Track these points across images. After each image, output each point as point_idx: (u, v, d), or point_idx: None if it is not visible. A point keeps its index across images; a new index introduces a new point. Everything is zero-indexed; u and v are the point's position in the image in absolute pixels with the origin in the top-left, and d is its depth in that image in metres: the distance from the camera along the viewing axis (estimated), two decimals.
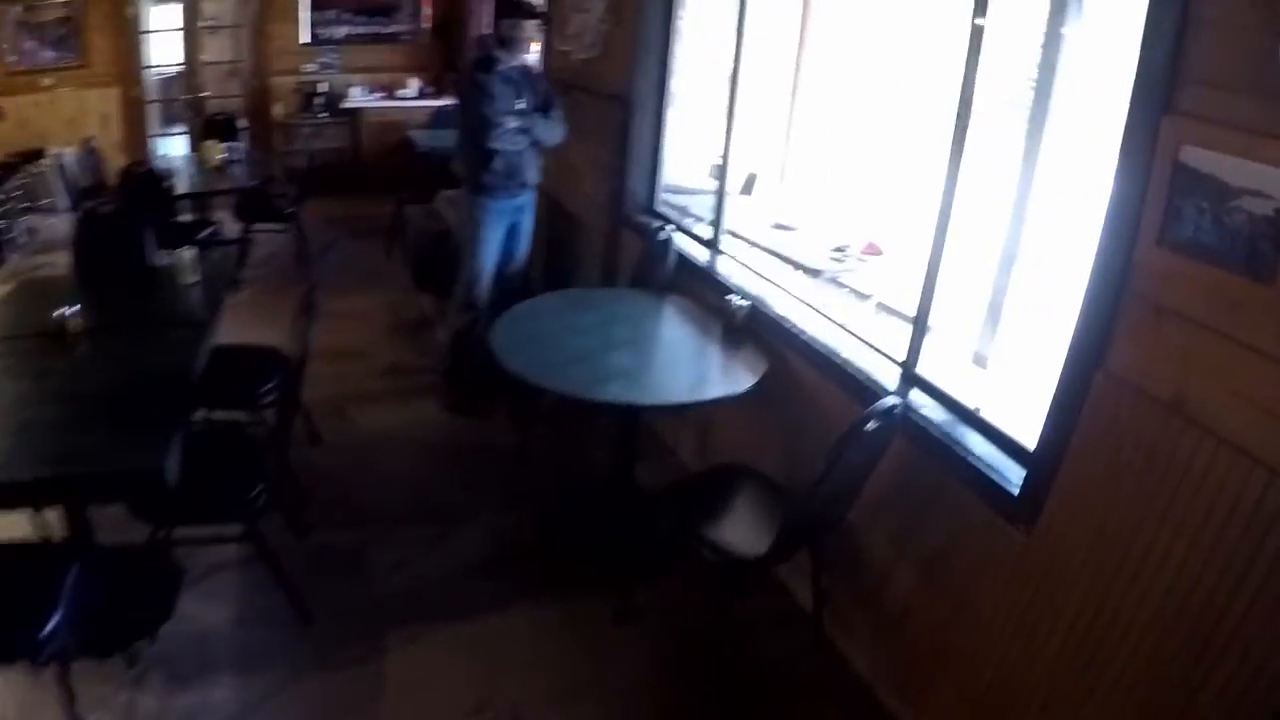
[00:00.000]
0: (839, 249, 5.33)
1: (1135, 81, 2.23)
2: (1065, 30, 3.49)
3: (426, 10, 9.35)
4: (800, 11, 6.08)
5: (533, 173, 4.79)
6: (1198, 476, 2.12)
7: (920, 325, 3.24)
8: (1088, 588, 2.40)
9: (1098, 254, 2.35)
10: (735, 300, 3.81)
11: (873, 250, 5.28)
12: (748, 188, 7.04)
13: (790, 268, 5.28)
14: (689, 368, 3.69)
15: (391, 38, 9.39)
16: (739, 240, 4.72)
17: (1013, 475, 2.70)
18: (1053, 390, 2.52)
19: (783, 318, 3.76)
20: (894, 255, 5.38)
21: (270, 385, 3.89)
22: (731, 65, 4.38)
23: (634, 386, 3.36)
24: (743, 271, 4.31)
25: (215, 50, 9.00)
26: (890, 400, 2.81)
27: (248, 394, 3.89)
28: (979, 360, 5.51)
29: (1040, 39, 4.93)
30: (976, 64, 3.01)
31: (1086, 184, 4.36)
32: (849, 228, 5.68)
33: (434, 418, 4.85)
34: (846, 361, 3.40)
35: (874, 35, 5.98)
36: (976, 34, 2.99)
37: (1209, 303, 2.09)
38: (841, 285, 5.52)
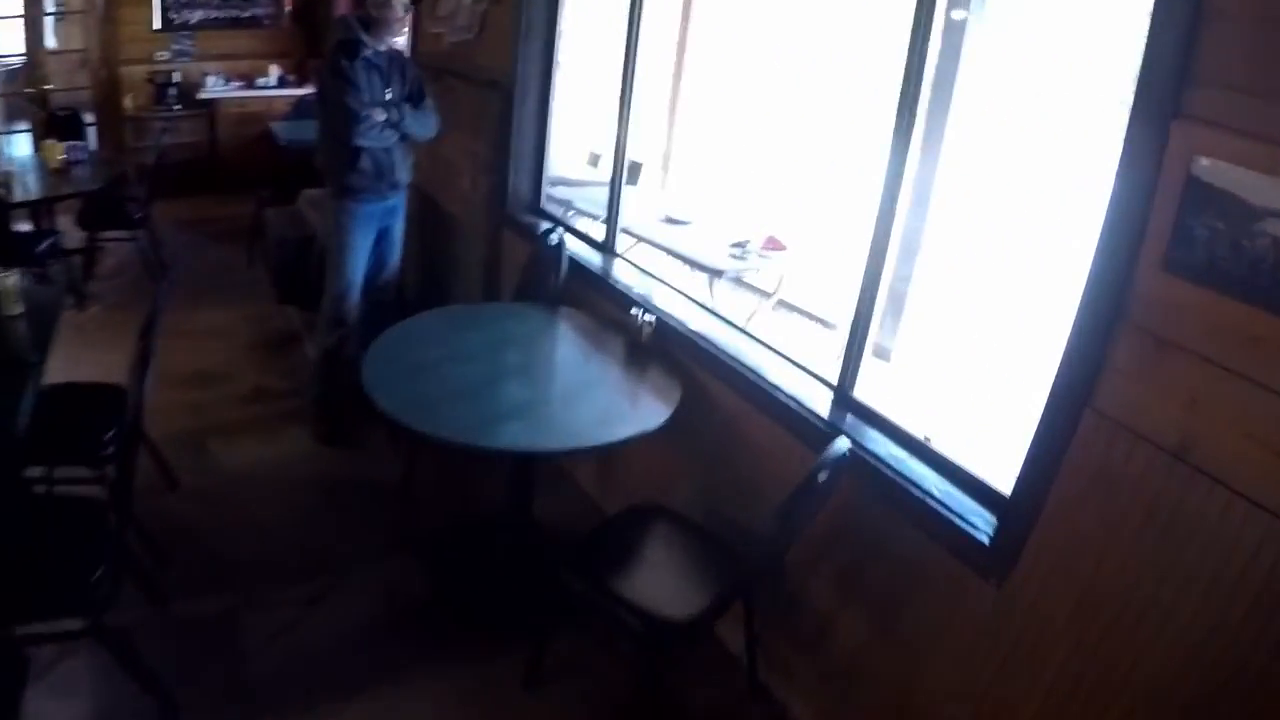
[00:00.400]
0: (738, 244, 4.89)
1: (1139, 80, 1.82)
2: (955, 15, 3.15)
3: None
4: None
5: (404, 171, 4.12)
6: (1209, 530, 1.79)
7: (856, 343, 2.78)
8: (1074, 645, 2.06)
9: (1090, 276, 1.96)
10: (639, 315, 3.27)
11: (774, 245, 4.87)
12: (632, 177, 6.53)
13: (689, 268, 4.83)
14: (593, 398, 3.09)
15: (250, 22, 8.43)
16: (633, 239, 4.21)
17: (978, 520, 2.32)
18: (1033, 429, 2.15)
19: (694, 333, 3.23)
20: (797, 249, 5.00)
21: (113, 432, 3.18)
22: (625, 43, 3.81)
23: (532, 427, 2.77)
24: (641, 277, 3.75)
25: (63, 38, 8.00)
26: (842, 446, 2.36)
27: (87, 444, 3.15)
28: (881, 353, 5.18)
29: (941, 23, 4.61)
30: (924, 47, 2.53)
31: (990, 171, 4.04)
32: (746, 221, 5.27)
33: (306, 449, 4.16)
34: (771, 384, 2.92)
35: (766, 15, 5.57)
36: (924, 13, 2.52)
37: (1222, 337, 1.75)
38: (746, 285, 5.11)
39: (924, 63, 2.54)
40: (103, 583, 2.50)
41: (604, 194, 5.71)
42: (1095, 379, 1.98)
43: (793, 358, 3.04)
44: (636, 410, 2.95)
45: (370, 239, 4.11)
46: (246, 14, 8.42)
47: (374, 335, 4.13)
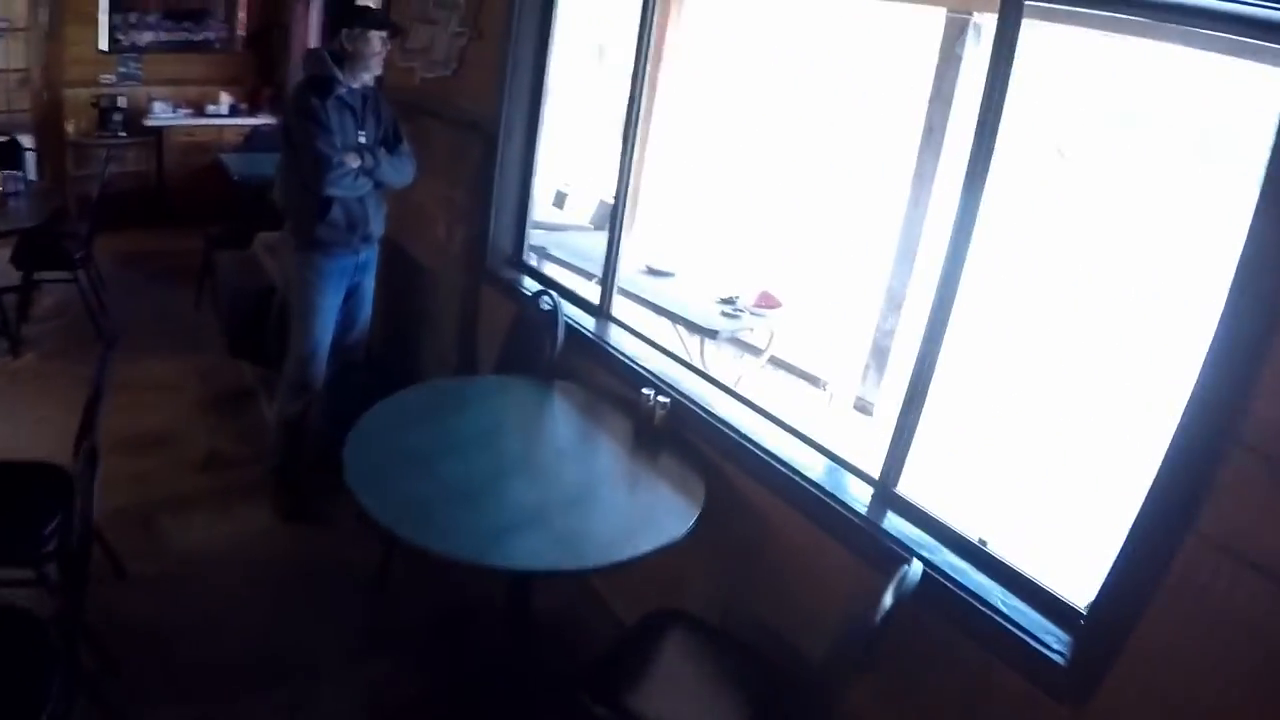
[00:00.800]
0: (728, 300, 4.55)
1: (1264, 182, 1.62)
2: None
3: (242, 15, 7.94)
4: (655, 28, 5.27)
5: (377, 223, 3.71)
6: None
7: (904, 436, 2.44)
8: None
9: (1197, 391, 1.75)
10: (651, 395, 2.89)
11: (769, 302, 4.53)
12: (600, 221, 6.16)
13: (679, 325, 4.46)
14: (611, 500, 2.66)
15: (202, 45, 7.90)
16: (625, 297, 3.82)
17: (1049, 638, 2.05)
18: (1121, 547, 1.91)
19: (714, 417, 2.86)
20: (792, 305, 4.68)
21: (54, 523, 2.69)
22: (631, 79, 3.46)
23: (547, 540, 2.33)
24: (644, 348, 3.36)
25: (2, 55, 7.40)
26: (914, 574, 2.02)
27: (24, 540, 2.66)
28: (862, 407, 4.87)
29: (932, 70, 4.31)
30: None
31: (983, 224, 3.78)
32: (732, 272, 4.94)
33: (267, 526, 3.67)
34: (801, 475, 2.59)
35: (744, 53, 5.26)
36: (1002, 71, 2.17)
37: None
38: (743, 346, 4.77)
39: (1001, 109, 2.17)
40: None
41: (579, 240, 5.35)
42: (1199, 501, 1.75)
43: (826, 446, 2.67)
44: (659, 513, 2.54)
45: (339, 296, 3.69)
46: (198, 37, 7.93)
47: (340, 399, 3.70)
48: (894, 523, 2.42)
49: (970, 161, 2.20)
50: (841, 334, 4.70)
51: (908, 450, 2.46)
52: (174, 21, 7.74)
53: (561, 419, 3.12)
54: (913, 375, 2.39)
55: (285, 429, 3.73)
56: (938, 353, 2.34)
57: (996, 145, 2.18)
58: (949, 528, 2.37)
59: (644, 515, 2.56)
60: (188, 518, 3.66)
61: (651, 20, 3.39)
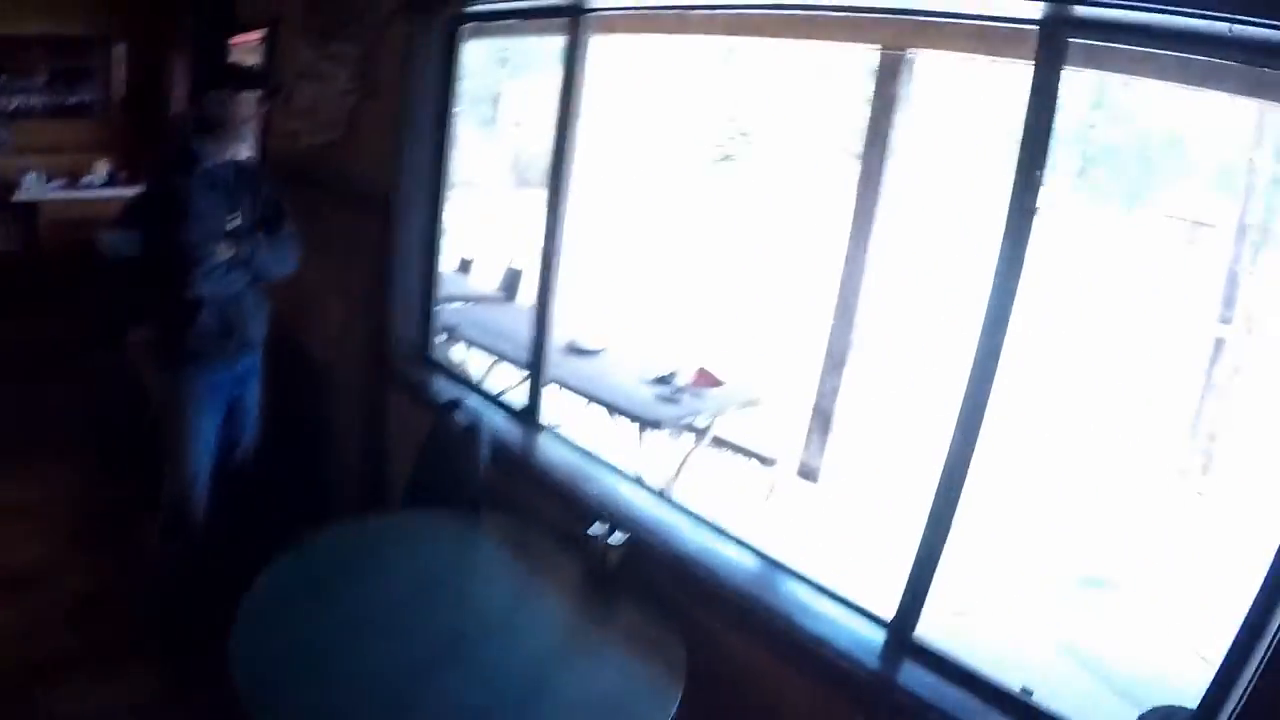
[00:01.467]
0: (662, 379, 4.01)
1: None
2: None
3: (120, 76, 7.12)
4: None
5: (258, 325, 3.03)
6: None
7: (926, 569, 1.94)
8: None
9: None
10: (603, 533, 2.30)
11: (708, 380, 4.01)
12: (511, 291, 5.59)
13: (612, 413, 3.90)
14: (573, 688, 1.98)
15: (75, 110, 7.08)
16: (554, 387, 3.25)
17: None
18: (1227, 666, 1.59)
19: (678, 551, 2.30)
20: (733, 381, 4.16)
21: None
22: (555, 138, 2.87)
23: None
24: (583, 460, 2.78)
25: None
26: None
27: None
28: (808, 473, 4.40)
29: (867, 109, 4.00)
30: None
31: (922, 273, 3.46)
32: (665, 345, 4.42)
33: (162, 691, 2.86)
34: (795, 624, 2.05)
35: (663, 110, 4.77)
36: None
37: None
38: (688, 430, 4.22)
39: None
40: None
41: (492, 315, 4.74)
42: None
43: (827, 586, 2.16)
44: (633, 700, 1.94)
45: (218, 417, 2.99)
46: (72, 100, 7.09)
47: (224, 517, 3.02)
48: (915, 675, 1.92)
49: (1008, 228, 1.73)
50: (786, 404, 4.23)
51: (928, 587, 1.95)
52: (45, 84, 6.90)
53: (496, 573, 2.47)
54: (937, 496, 1.89)
55: (164, 577, 3.00)
56: (967, 467, 1.85)
57: (1037, 206, 1.71)
58: (985, 679, 1.88)
59: (615, 707, 1.94)
60: (68, 687, 2.85)
61: (575, 70, 2.82)
